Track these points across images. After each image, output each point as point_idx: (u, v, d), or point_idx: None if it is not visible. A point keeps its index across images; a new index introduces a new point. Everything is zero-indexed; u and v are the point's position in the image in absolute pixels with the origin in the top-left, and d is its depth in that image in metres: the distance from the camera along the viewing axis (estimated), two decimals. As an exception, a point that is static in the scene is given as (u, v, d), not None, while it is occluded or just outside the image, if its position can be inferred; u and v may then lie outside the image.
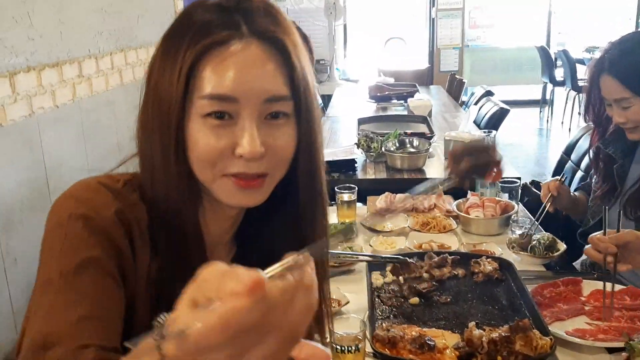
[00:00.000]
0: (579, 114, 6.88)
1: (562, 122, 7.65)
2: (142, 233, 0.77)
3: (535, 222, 1.83)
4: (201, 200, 0.82)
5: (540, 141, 7.43)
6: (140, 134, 0.81)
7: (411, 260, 1.60)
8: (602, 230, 1.43)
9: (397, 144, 2.73)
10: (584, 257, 1.94)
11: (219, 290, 0.44)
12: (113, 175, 0.82)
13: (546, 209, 1.84)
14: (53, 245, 0.73)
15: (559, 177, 1.89)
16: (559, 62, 8.16)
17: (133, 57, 2.94)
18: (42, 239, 0.75)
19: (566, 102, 7.76)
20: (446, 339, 1.27)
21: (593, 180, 1.89)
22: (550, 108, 8.40)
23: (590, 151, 1.88)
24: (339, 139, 3.39)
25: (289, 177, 0.82)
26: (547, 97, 8.58)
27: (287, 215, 0.86)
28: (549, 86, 8.42)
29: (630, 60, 1.63)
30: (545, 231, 1.85)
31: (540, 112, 8.61)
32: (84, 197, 0.75)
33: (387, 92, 4.39)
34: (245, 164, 0.75)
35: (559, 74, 8.15)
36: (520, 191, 2.14)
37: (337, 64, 7.61)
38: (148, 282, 0.77)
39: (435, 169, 2.65)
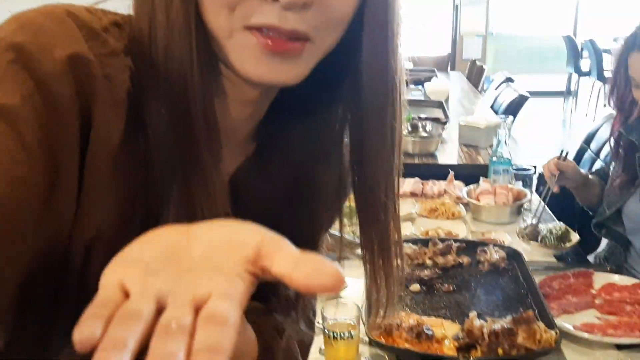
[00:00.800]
0: (605, 105, 6.70)
1: (587, 114, 7.47)
2: (114, 101, 0.50)
3: (542, 202, 1.76)
4: (215, 68, 0.55)
5: (563, 132, 7.27)
6: None
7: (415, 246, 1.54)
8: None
9: (410, 128, 2.65)
10: (599, 250, 1.87)
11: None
12: (98, 10, 0.54)
13: (550, 190, 1.76)
14: None
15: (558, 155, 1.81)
16: (584, 53, 7.96)
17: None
18: None
19: (591, 93, 7.57)
20: (446, 329, 1.21)
21: (611, 169, 1.80)
22: (574, 99, 8.21)
23: (612, 138, 1.79)
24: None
25: (344, 60, 0.56)
26: (572, 87, 8.39)
27: (332, 121, 0.62)
28: (574, 77, 8.23)
29: None
30: (560, 222, 1.78)
31: (564, 103, 8.42)
32: (36, 25, 0.47)
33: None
34: (280, 12, 0.49)
35: (585, 64, 7.96)
36: (534, 179, 2.06)
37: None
38: (110, 183, 0.50)
39: (448, 154, 2.57)
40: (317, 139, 0.63)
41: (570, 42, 8.01)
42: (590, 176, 1.87)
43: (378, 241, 0.63)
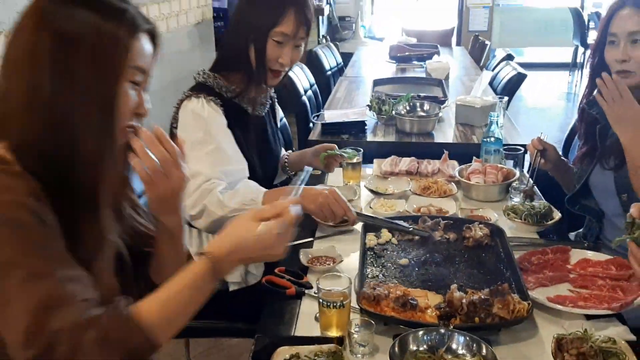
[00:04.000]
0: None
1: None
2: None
3: (530, 177, 1.89)
4: None
5: (567, 106, 7.29)
6: None
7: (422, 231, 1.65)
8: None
9: (408, 107, 2.75)
10: (580, 229, 1.98)
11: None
12: None
13: (537, 164, 1.88)
14: None
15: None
16: (592, 25, 7.93)
17: (155, 11, 2.97)
18: None
19: (597, 66, 7.54)
20: (429, 299, 1.34)
21: (577, 143, 1.91)
22: (580, 72, 8.20)
23: (576, 113, 1.91)
24: (355, 99, 3.42)
25: None
26: (578, 60, 8.37)
27: None
28: (580, 49, 8.20)
29: None
30: (545, 200, 1.89)
31: (570, 75, 8.42)
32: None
33: (407, 53, 4.36)
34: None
35: (592, 36, 7.93)
36: (525, 159, 2.16)
37: (362, 21, 7.52)
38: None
39: (444, 133, 2.67)
40: None
41: (576, 13, 7.96)
42: (571, 164, 1.97)
43: None
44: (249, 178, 1.76)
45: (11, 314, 0.82)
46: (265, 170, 1.92)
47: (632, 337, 1.23)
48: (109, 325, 0.85)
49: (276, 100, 2.09)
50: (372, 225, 1.68)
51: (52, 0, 0.93)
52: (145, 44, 0.99)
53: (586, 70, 7.78)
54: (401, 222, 1.67)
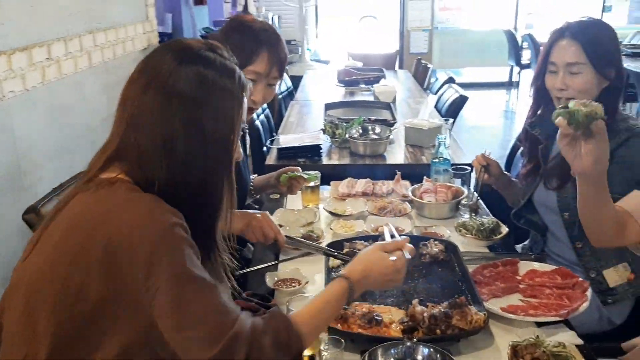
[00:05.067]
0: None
1: (528, 105, 7.86)
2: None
3: (475, 192, 2.04)
4: None
5: (506, 123, 7.64)
6: None
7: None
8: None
9: (361, 131, 2.85)
10: (525, 242, 2.11)
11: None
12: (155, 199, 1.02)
13: (482, 179, 2.01)
14: (166, 248, 0.97)
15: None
16: (525, 45, 8.36)
17: (102, 39, 2.99)
18: (153, 247, 0.95)
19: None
20: (393, 315, 1.41)
21: (520, 162, 2.05)
22: (517, 90, 8.62)
23: (520, 133, 2.05)
24: (308, 123, 3.50)
25: None
26: (514, 79, 8.80)
27: None
28: (516, 69, 8.63)
29: (593, 31, 1.75)
30: (493, 216, 2.01)
31: (507, 94, 8.83)
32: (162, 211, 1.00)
33: (354, 77, 4.50)
34: None
35: (526, 56, 8.36)
36: (472, 177, 2.29)
37: (308, 44, 7.67)
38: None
39: (395, 155, 2.78)
40: None
41: (510, 35, 8.39)
42: (513, 179, 2.11)
43: None
44: None
45: (195, 316, 0.96)
46: (238, 195, 1.96)
47: (580, 341, 1.34)
48: (280, 331, 1.02)
49: (247, 131, 2.13)
50: (334, 245, 1.75)
51: (171, 60, 1.04)
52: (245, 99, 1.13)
53: (523, 89, 8.22)
54: (331, 251, 1.70)
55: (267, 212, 1.75)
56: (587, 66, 1.71)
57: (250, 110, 1.83)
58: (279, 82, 1.86)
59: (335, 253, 1.66)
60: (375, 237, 1.78)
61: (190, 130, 1.03)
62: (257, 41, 1.75)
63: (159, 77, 1.03)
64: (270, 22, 7.09)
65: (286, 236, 1.73)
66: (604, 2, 9.19)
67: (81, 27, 2.72)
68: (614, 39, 1.79)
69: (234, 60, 1.13)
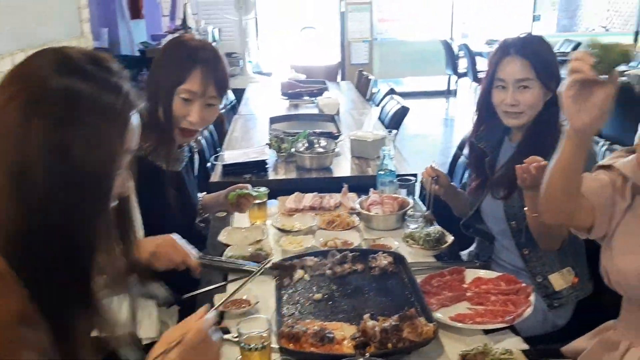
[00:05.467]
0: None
1: (472, 113, 8.10)
2: None
3: (428, 204, 2.07)
4: None
5: (446, 131, 7.85)
6: None
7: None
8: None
9: (307, 144, 2.85)
10: (471, 248, 2.17)
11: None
12: None
13: (432, 191, 2.05)
14: None
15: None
16: (461, 54, 8.64)
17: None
18: None
19: (469, 93, 8.24)
20: (344, 331, 1.41)
21: (467, 175, 2.11)
22: (455, 99, 8.89)
23: (466, 146, 2.11)
24: (252, 138, 3.48)
25: None
26: (452, 88, 9.06)
27: None
28: (453, 78, 8.90)
29: (535, 46, 1.82)
30: (438, 224, 2.05)
31: (447, 102, 9.08)
32: None
33: (298, 90, 4.51)
34: None
35: (463, 65, 8.63)
36: (416, 187, 2.33)
37: (249, 57, 7.65)
38: None
39: (342, 167, 2.80)
40: None
41: (447, 45, 8.65)
42: (459, 189, 2.17)
43: None
44: (168, 224, 1.74)
45: None
46: (186, 217, 1.91)
47: (525, 346, 1.38)
48: None
49: (196, 150, 2.08)
50: (284, 264, 1.74)
51: (43, 71, 0.85)
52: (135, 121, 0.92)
53: (461, 97, 8.48)
54: (249, 264, 1.72)
55: (173, 234, 1.59)
56: (535, 81, 1.79)
57: (189, 131, 1.78)
58: (220, 102, 1.82)
59: (255, 270, 1.55)
60: (325, 253, 1.79)
61: (51, 158, 0.80)
62: (191, 59, 1.70)
63: (26, 89, 0.83)
64: (210, 36, 7.00)
65: (201, 257, 1.61)
66: (533, 12, 9.61)
67: (13, 45, 2.62)
68: (552, 51, 1.88)
69: (124, 74, 0.93)
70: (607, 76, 1.15)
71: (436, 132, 7.63)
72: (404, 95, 3.92)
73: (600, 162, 1.44)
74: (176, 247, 1.56)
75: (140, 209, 1.64)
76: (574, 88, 1.17)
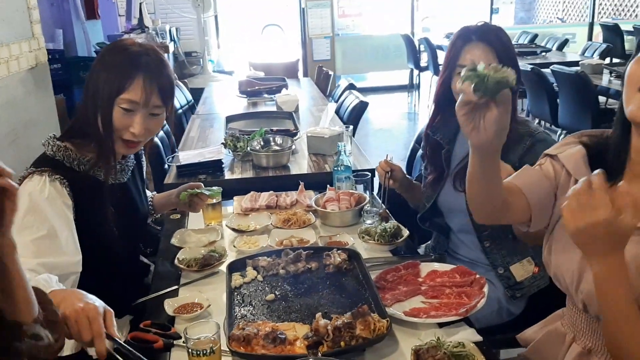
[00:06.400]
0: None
1: (428, 106, 8.18)
2: None
3: (383, 205, 2.05)
4: None
5: (409, 125, 7.89)
6: None
7: None
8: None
9: (263, 143, 2.82)
10: (428, 242, 2.17)
11: None
12: None
13: (387, 185, 2.04)
14: None
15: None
16: (422, 48, 8.69)
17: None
18: None
19: (430, 87, 8.30)
20: (297, 331, 1.38)
21: (423, 167, 2.10)
22: (417, 92, 8.94)
23: (418, 136, 2.10)
24: (210, 137, 3.42)
25: None
26: (414, 82, 9.11)
27: None
28: (415, 72, 8.95)
29: (496, 33, 1.79)
30: (395, 219, 2.04)
31: (409, 96, 9.13)
32: None
33: (257, 87, 4.46)
34: None
35: (424, 59, 8.69)
36: (371, 182, 2.32)
37: (210, 56, 7.55)
38: None
39: (299, 165, 2.78)
40: None
41: (408, 40, 8.69)
42: (414, 181, 2.16)
43: None
44: (113, 239, 1.67)
45: None
46: (134, 227, 1.83)
47: (479, 338, 1.37)
48: None
49: (143, 154, 1.97)
50: (236, 263, 1.71)
51: None
52: None
53: (423, 90, 8.54)
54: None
55: (97, 305, 1.23)
56: None
57: (133, 143, 1.63)
58: (168, 111, 1.68)
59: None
60: (278, 252, 1.76)
61: None
62: (132, 66, 1.56)
63: None
64: (168, 35, 6.86)
65: (115, 340, 1.21)
66: (491, 5, 9.74)
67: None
68: (510, 40, 1.87)
69: None
70: (488, 98, 1.11)
71: (400, 126, 7.67)
72: (368, 90, 3.92)
73: (548, 150, 1.43)
74: (92, 321, 1.19)
75: (80, 226, 1.56)
76: (465, 108, 1.15)
